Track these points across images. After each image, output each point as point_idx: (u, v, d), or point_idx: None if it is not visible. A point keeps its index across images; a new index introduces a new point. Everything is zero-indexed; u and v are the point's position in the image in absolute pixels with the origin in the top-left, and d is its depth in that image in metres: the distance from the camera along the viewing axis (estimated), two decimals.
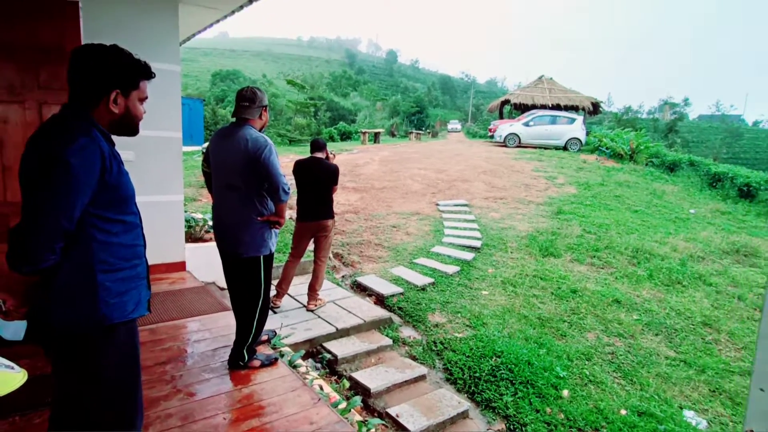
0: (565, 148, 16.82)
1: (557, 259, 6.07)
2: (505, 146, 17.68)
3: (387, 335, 3.96)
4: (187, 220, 4.85)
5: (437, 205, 8.31)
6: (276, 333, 3.01)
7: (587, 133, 17.34)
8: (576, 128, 16.81)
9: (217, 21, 4.76)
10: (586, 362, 3.93)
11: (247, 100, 2.39)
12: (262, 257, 2.42)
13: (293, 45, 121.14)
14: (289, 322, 3.84)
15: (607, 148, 14.84)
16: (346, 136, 30.74)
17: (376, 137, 21.50)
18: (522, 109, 23.00)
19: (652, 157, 13.97)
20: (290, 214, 7.46)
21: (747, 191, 10.70)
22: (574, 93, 22.09)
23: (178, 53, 3.96)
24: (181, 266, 4.25)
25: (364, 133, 20.58)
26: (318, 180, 3.93)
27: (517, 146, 17.50)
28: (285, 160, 13.72)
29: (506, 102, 23.51)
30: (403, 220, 7.39)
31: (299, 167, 3.99)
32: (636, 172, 12.75)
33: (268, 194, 2.39)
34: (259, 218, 2.38)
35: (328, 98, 41.69)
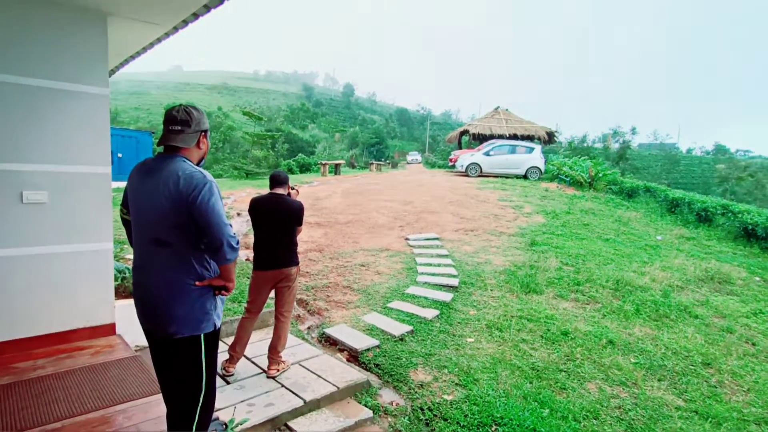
0: (525, 177, 17.00)
1: (540, 295, 5.66)
2: (467, 176, 17.68)
3: (365, 404, 3.31)
4: (119, 271, 4.07)
5: (407, 239, 7.81)
6: (226, 427, 2.32)
7: (545, 162, 17.65)
8: (535, 157, 17.07)
9: (159, 40, 4.16)
10: (594, 421, 3.43)
11: (179, 122, 1.79)
12: (203, 336, 1.77)
13: (249, 78, 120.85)
14: (245, 395, 3.13)
15: (566, 176, 15.05)
16: (305, 168, 30.18)
17: (336, 169, 21.06)
18: (480, 139, 23.38)
19: (611, 184, 14.24)
20: (246, 254, 6.72)
21: (705, 216, 10.92)
22: (530, 123, 22.70)
23: (106, 74, 3.32)
24: (109, 329, 3.46)
25: (324, 164, 20.10)
26: (279, 220, 3.32)
27: (479, 176, 17.53)
28: (241, 195, 12.96)
29: (465, 132, 23.85)
30: (372, 257, 6.82)
31: (257, 206, 3.38)
32: (597, 199, 12.88)
33: (207, 252, 1.78)
34: (197, 283, 1.75)
35: (286, 130, 41.20)
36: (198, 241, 1.73)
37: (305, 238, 7.76)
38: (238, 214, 9.63)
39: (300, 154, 33.98)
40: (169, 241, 1.72)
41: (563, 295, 5.71)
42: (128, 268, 4.32)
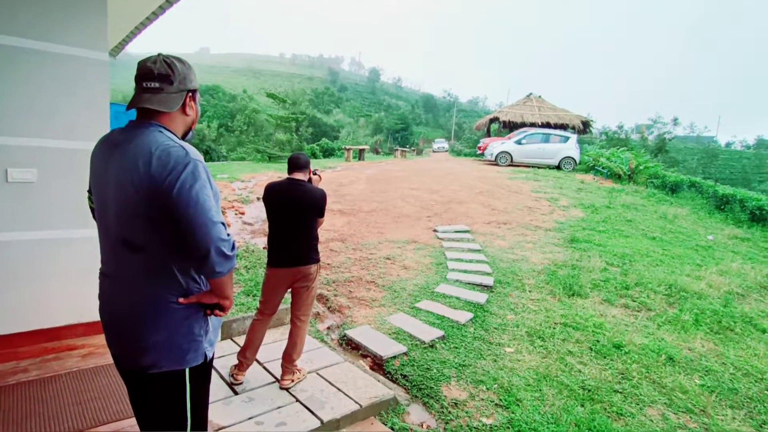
0: (558, 167, 16.17)
1: (584, 299, 5.09)
2: (497, 164, 16.94)
3: (392, 426, 2.86)
4: None
5: (435, 231, 7.30)
6: None
7: (580, 152, 16.75)
8: (570, 147, 16.19)
9: (162, 9, 3.72)
10: None
11: (156, 77, 1.30)
12: (188, 372, 1.33)
13: (275, 62, 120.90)
14: (254, 410, 2.72)
15: (604, 168, 14.18)
16: (328, 153, 29.81)
17: (360, 154, 20.56)
18: (510, 127, 22.48)
19: (652, 177, 13.33)
20: (264, 242, 6.31)
21: (760, 215, 10.02)
22: (564, 111, 21.65)
23: (105, 37, 2.89)
24: None
25: (348, 149, 19.61)
26: (298, 211, 2.87)
27: (509, 165, 16.78)
28: (262, 178, 12.63)
29: (494, 120, 22.94)
30: (398, 249, 6.34)
31: (272, 193, 2.93)
32: (638, 193, 12.04)
33: (192, 261, 1.31)
34: (181, 300, 1.30)
35: (311, 114, 40.81)
36: (180, 243, 1.27)
37: (327, 226, 7.33)
38: (258, 199, 9.28)
39: (324, 139, 33.61)
40: (140, 243, 1.26)
41: (611, 300, 5.13)
42: None
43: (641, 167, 13.31)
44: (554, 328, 4.34)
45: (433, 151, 39.55)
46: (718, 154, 66.24)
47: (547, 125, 20.67)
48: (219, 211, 1.24)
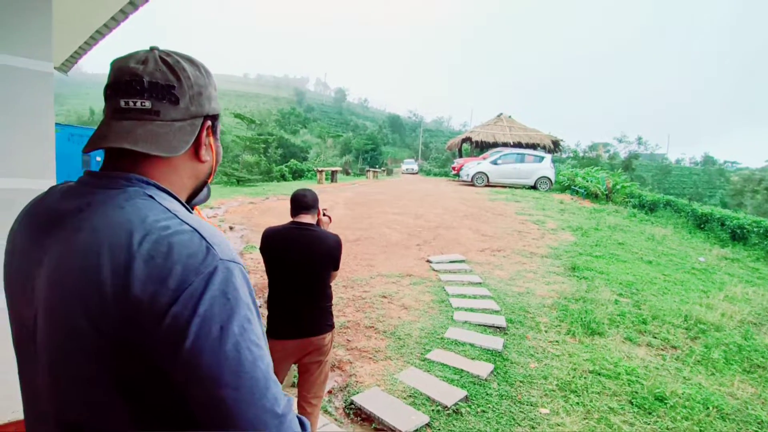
0: (534, 187, 16.12)
1: (605, 338, 4.64)
2: (473, 185, 16.76)
3: None
4: None
5: (429, 261, 6.76)
6: None
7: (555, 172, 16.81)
8: (545, 166, 16.21)
9: (115, 20, 3.09)
10: None
11: (146, 90, 0.66)
12: None
13: (239, 82, 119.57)
14: None
15: (581, 188, 14.17)
16: (298, 175, 29.06)
17: (332, 176, 19.97)
18: (481, 147, 22.53)
19: (629, 197, 13.39)
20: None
21: (740, 234, 10.07)
22: (534, 131, 21.91)
23: (50, 43, 2.22)
24: None
25: (321, 171, 19.00)
26: (309, 264, 2.25)
27: (486, 185, 16.61)
28: (233, 204, 11.79)
29: (466, 140, 22.94)
30: (393, 285, 5.75)
31: (274, 241, 2.30)
32: (619, 213, 12.00)
33: None
34: None
35: (278, 135, 39.99)
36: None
37: None
38: (231, 228, 8.51)
39: (292, 160, 32.85)
40: (90, 425, 0.62)
41: (632, 338, 4.70)
42: None
43: (618, 186, 13.35)
44: (585, 378, 3.84)
45: (403, 173, 37.91)
46: (671, 170, 69.94)
47: (519, 145, 20.80)
48: (270, 371, 0.62)
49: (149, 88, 0.67)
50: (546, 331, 4.69)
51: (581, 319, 4.91)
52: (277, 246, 2.27)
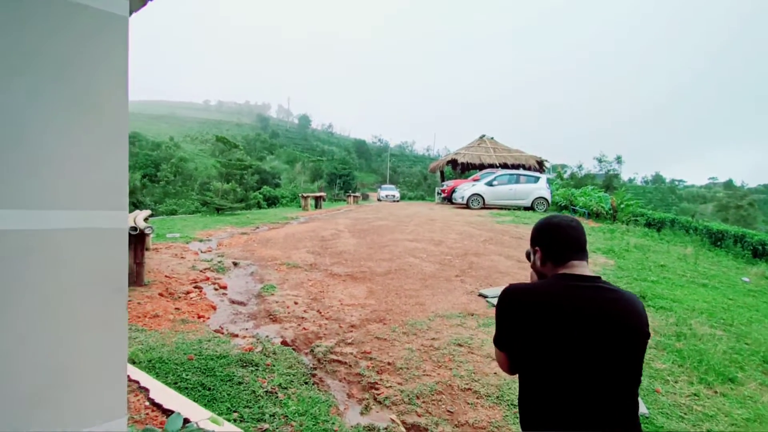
0: (531, 208, 15.70)
1: (742, 387, 3.87)
2: (469, 208, 16.15)
3: None
4: None
5: (484, 297, 5.87)
6: None
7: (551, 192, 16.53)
8: (541, 187, 15.86)
9: None
10: None
11: None
12: None
13: (200, 109, 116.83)
14: None
15: (584, 208, 13.83)
16: (272, 202, 27.74)
17: (317, 202, 18.89)
18: (463, 168, 22.20)
19: (635, 216, 13.13)
20: (271, 331, 4.25)
21: (762, 250, 9.83)
22: (518, 152, 21.82)
23: None
24: None
25: (306, 197, 17.90)
26: (612, 345, 1.29)
27: (482, 207, 16.05)
28: (222, 235, 10.54)
29: (450, 162, 22.55)
30: (460, 328, 4.81)
31: (552, 307, 1.32)
32: (631, 232, 11.62)
33: None
34: None
35: (247, 161, 38.56)
36: None
37: (346, 298, 5.64)
38: (235, 264, 7.34)
39: (265, 186, 31.51)
40: None
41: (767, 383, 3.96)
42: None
43: (623, 205, 13.08)
44: None
45: (380, 199, 31.77)
46: (627, 189, 73.12)
47: (505, 166, 20.56)
48: None
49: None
50: (673, 382, 3.87)
51: (706, 362, 4.13)
52: (563, 314, 1.31)
